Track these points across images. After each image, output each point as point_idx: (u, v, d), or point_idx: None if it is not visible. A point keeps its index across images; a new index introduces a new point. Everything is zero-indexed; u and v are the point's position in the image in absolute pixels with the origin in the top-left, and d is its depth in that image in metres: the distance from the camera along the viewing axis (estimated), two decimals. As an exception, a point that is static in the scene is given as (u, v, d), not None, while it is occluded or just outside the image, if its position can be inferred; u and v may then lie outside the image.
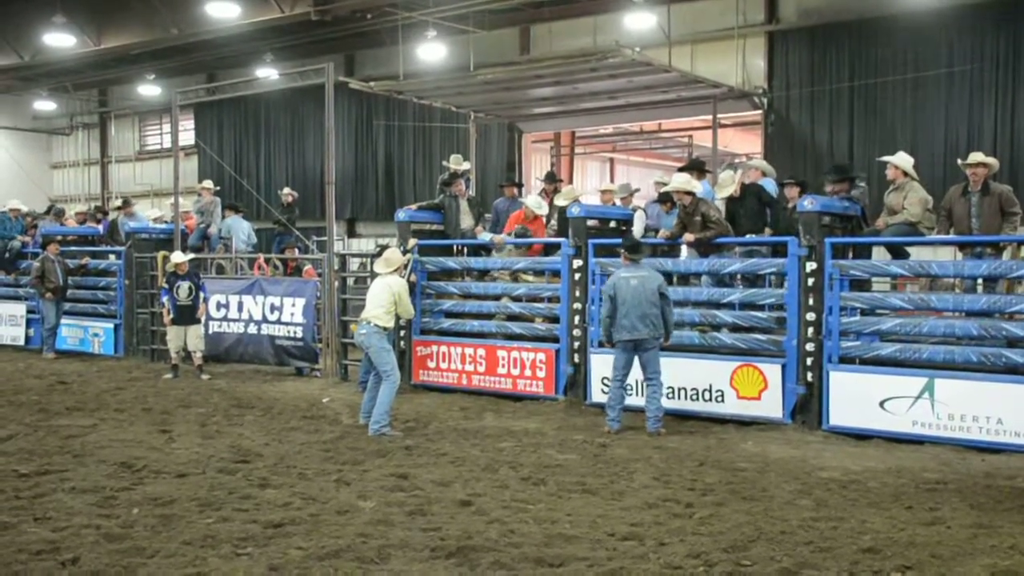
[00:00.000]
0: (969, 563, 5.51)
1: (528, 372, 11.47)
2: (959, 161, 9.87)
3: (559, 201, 12.33)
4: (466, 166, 13.64)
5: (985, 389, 8.72)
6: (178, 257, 13.58)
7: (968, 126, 15.53)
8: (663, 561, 5.51)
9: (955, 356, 8.95)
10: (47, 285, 15.71)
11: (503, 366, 11.67)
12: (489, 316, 12.16)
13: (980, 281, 9.78)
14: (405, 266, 10.83)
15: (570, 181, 22.03)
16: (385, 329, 9.73)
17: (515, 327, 11.86)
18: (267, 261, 15.52)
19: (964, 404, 8.73)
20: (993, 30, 15.44)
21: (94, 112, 30.49)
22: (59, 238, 16.55)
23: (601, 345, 10.81)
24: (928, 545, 5.78)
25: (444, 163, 14.08)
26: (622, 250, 9.85)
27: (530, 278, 12.19)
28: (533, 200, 12.42)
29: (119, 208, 17.71)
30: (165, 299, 13.46)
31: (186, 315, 13.36)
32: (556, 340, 11.37)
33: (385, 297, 9.72)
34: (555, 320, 11.49)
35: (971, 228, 9.42)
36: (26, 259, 17.20)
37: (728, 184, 10.95)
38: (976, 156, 9.60)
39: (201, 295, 13.52)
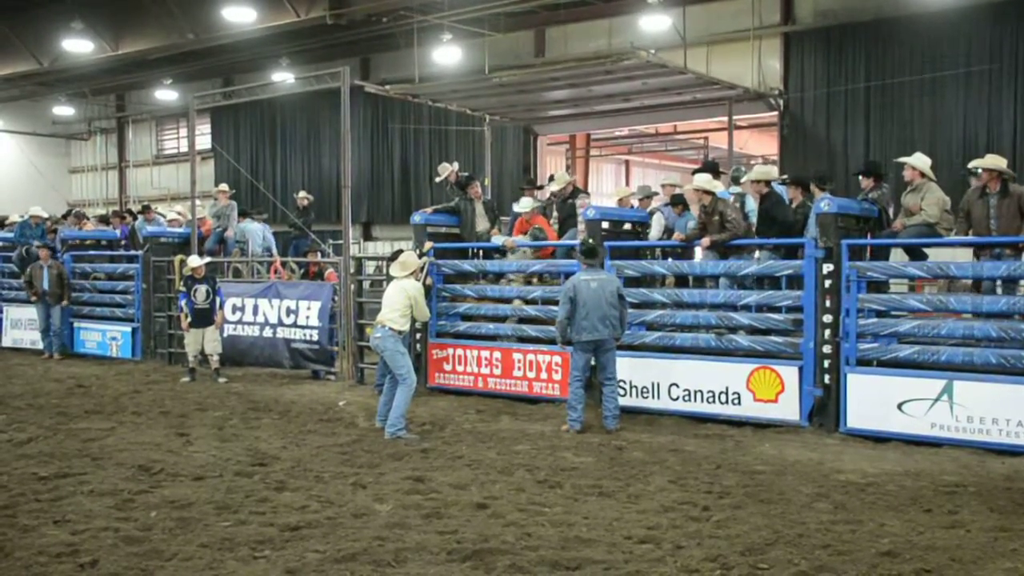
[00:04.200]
0: (989, 567, 5.47)
1: (544, 375, 11.46)
2: (970, 164, 9.86)
3: (554, 187, 12.48)
4: (454, 167, 13.85)
5: (1005, 391, 8.65)
6: (195, 261, 13.66)
7: (987, 126, 15.43)
8: (680, 564, 5.50)
9: (974, 358, 8.88)
10: (32, 290, 16.49)
11: (519, 369, 11.67)
12: (504, 319, 12.17)
13: (999, 282, 9.72)
14: (421, 269, 10.85)
15: (585, 183, 22.05)
16: (400, 332, 9.75)
17: (531, 330, 11.86)
18: (283, 264, 15.58)
19: (983, 406, 8.66)
20: (1012, 29, 15.32)
21: (112, 117, 30.71)
22: (71, 242, 16.84)
23: (618, 348, 10.83)
24: (947, 549, 5.75)
25: (440, 176, 14.10)
26: (579, 254, 10.06)
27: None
28: (524, 203, 12.45)
29: (139, 213, 17.90)
30: (183, 303, 13.54)
31: (203, 318, 13.45)
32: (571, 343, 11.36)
33: (400, 300, 9.74)
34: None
35: (990, 229, 9.36)
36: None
37: (766, 175, 10.75)
38: (979, 161, 9.60)
39: (218, 300, 13.60)
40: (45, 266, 16.42)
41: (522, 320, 12.07)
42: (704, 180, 10.65)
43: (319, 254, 15.77)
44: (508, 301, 12.24)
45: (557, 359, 11.33)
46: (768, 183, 10.61)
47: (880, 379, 9.29)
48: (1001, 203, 9.31)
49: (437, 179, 14.36)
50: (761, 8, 17.54)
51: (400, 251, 11.11)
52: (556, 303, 11.80)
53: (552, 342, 11.57)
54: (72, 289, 16.65)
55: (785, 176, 11.99)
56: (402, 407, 9.47)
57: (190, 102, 16.43)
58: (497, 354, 11.87)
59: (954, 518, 6.50)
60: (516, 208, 12.67)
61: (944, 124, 15.79)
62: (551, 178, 13.38)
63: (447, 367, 12.31)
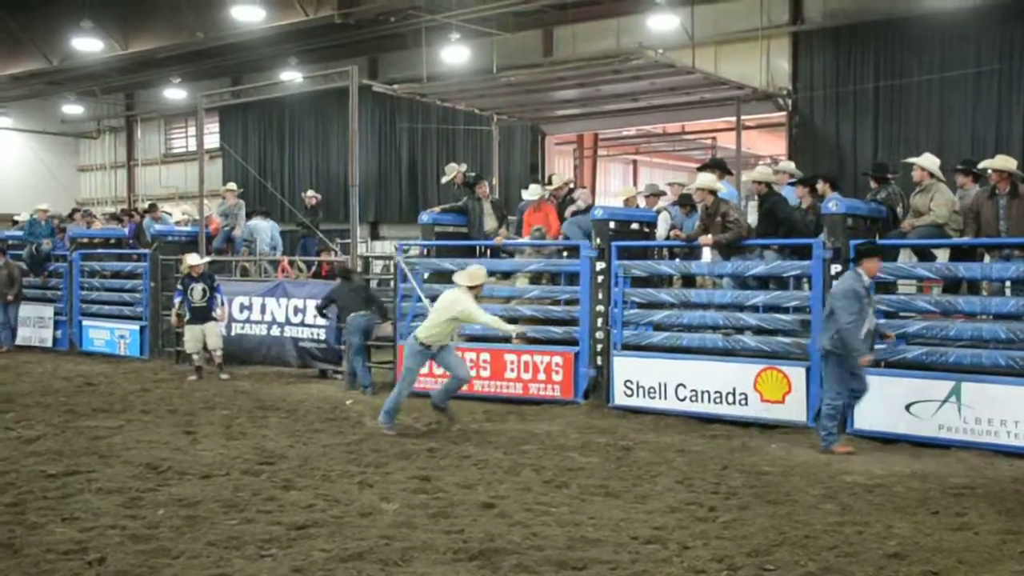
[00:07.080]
0: (997, 569, 5.45)
1: (542, 376, 11.34)
2: (980, 165, 9.84)
3: (551, 188, 12.66)
4: (462, 168, 13.89)
5: (1013, 393, 8.63)
6: (193, 260, 13.66)
7: (996, 126, 15.33)
8: (686, 565, 5.49)
9: (982, 360, 8.86)
10: None
11: (512, 370, 11.50)
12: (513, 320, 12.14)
13: (1008, 284, 9.68)
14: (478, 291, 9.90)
15: (593, 183, 22.03)
16: (424, 345, 9.55)
17: (529, 331, 11.71)
18: (291, 263, 15.59)
19: (991, 408, 8.63)
20: (1022, 29, 15.23)
21: (121, 116, 30.75)
22: (80, 241, 17.33)
23: (625, 348, 10.83)
24: (955, 551, 5.73)
25: (448, 177, 14.11)
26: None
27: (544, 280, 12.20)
28: (533, 189, 12.51)
29: (146, 211, 18.01)
30: (178, 300, 13.57)
31: (200, 316, 13.48)
32: (574, 343, 11.32)
33: (445, 314, 9.46)
34: (572, 323, 11.43)
35: (999, 231, 9.32)
36: (52, 261, 17.62)
37: (765, 176, 10.75)
38: (989, 162, 9.57)
39: (218, 297, 13.61)
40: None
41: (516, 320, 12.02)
42: (708, 180, 10.61)
43: (331, 254, 15.78)
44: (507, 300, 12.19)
45: (558, 360, 11.26)
46: (768, 184, 10.60)
47: (888, 380, 9.24)
48: (1011, 204, 9.27)
49: (444, 180, 14.38)
50: (770, 8, 17.48)
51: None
52: (556, 303, 11.80)
53: (551, 343, 11.52)
54: (23, 287, 17.40)
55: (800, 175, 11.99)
56: (392, 402, 9.59)
57: (199, 101, 16.46)
58: (485, 355, 11.66)
59: (962, 520, 6.48)
60: (525, 195, 12.70)
61: (953, 124, 15.70)
62: (550, 179, 13.44)
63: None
